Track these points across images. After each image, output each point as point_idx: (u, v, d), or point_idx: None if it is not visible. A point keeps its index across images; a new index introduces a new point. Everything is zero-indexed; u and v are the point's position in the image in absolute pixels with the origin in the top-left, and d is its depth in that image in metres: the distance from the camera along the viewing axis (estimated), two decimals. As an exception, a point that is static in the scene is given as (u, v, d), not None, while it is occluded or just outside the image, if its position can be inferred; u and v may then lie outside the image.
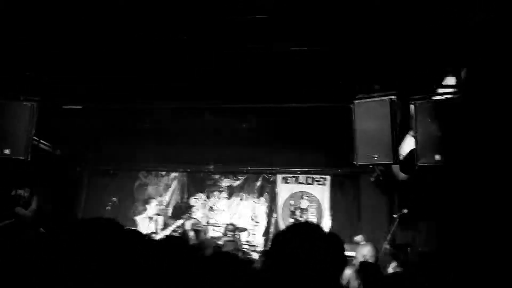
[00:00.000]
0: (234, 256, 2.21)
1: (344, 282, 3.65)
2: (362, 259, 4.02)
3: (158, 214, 7.92)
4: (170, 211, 9.51)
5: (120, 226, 1.30)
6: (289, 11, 4.08)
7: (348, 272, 3.96)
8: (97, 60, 5.25)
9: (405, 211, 6.26)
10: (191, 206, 9.47)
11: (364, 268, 3.55)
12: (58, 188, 8.49)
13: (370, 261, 3.98)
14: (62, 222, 8.14)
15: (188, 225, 7.74)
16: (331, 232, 1.66)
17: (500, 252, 3.44)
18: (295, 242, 1.54)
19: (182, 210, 9.17)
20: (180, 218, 8.44)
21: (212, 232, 9.03)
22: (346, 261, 1.71)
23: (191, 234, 7.52)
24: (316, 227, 1.64)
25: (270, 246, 1.64)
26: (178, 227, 7.76)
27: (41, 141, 7.72)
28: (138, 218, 7.89)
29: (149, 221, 7.73)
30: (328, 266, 1.50)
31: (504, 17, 3.40)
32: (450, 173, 4.46)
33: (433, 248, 5.61)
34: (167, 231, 7.63)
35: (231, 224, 8.59)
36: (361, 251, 4.07)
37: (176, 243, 2.20)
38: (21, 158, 5.46)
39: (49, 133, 7.71)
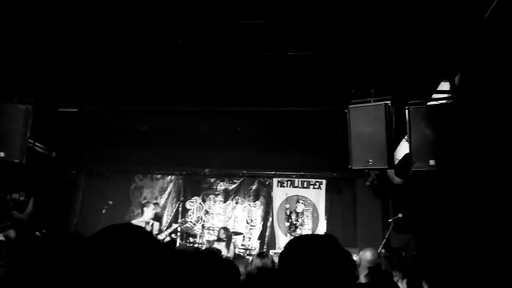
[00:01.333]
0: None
1: None
2: (361, 264, 4.01)
3: (154, 219, 7.79)
4: (166, 214, 9.51)
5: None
6: (287, 14, 4.09)
7: None
8: (94, 61, 5.25)
9: (400, 215, 6.28)
10: (187, 210, 9.49)
11: (373, 273, 3.54)
12: (53, 190, 8.47)
13: (370, 265, 3.97)
14: (57, 225, 8.12)
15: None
16: (343, 248, 1.65)
17: (494, 254, 3.46)
18: (310, 255, 1.54)
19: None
20: (175, 223, 8.43)
21: (207, 236, 9.03)
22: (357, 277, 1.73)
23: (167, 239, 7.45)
24: (333, 240, 1.63)
25: (281, 257, 1.63)
26: (173, 231, 7.70)
27: (36, 143, 7.70)
28: (134, 222, 7.84)
29: (145, 225, 7.64)
30: (342, 281, 1.52)
31: (497, 24, 3.43)
32: (444, 177, 4.48)
33: (428, 252, 5.62)
34: (163, 236, 7.57)
35: (224, 228, 8.58)
36: (363, 256, 4.07)
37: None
38: (16, 161, 5.44)
39: (45, 135, 7.70)
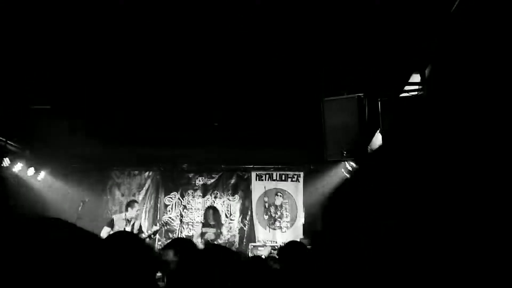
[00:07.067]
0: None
1: None
2: None
3: (135, 218, 7.59)
4: (144, 211, 9.44)
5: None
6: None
7: None
8: (69, 59, 5.16)
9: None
10: (165, 206, 9.45)
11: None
12: (28, 188, 8.35)
13: None
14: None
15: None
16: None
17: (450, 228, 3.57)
18: None
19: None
20: (155, 224, 8.32)
21: (187, 231, 9.03)
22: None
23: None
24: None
25: None
26: (154, 232, 7.58)
27: (8, 141, 7.58)
28: (115, 217, 7.69)
29: (126, 223, 7.49)
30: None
31: (467, 15, 3.52)
32: (416, 166, 4.58)
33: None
34: (143, 236, 7.41)
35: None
36: None
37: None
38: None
39: (18, 133, 7.57)
